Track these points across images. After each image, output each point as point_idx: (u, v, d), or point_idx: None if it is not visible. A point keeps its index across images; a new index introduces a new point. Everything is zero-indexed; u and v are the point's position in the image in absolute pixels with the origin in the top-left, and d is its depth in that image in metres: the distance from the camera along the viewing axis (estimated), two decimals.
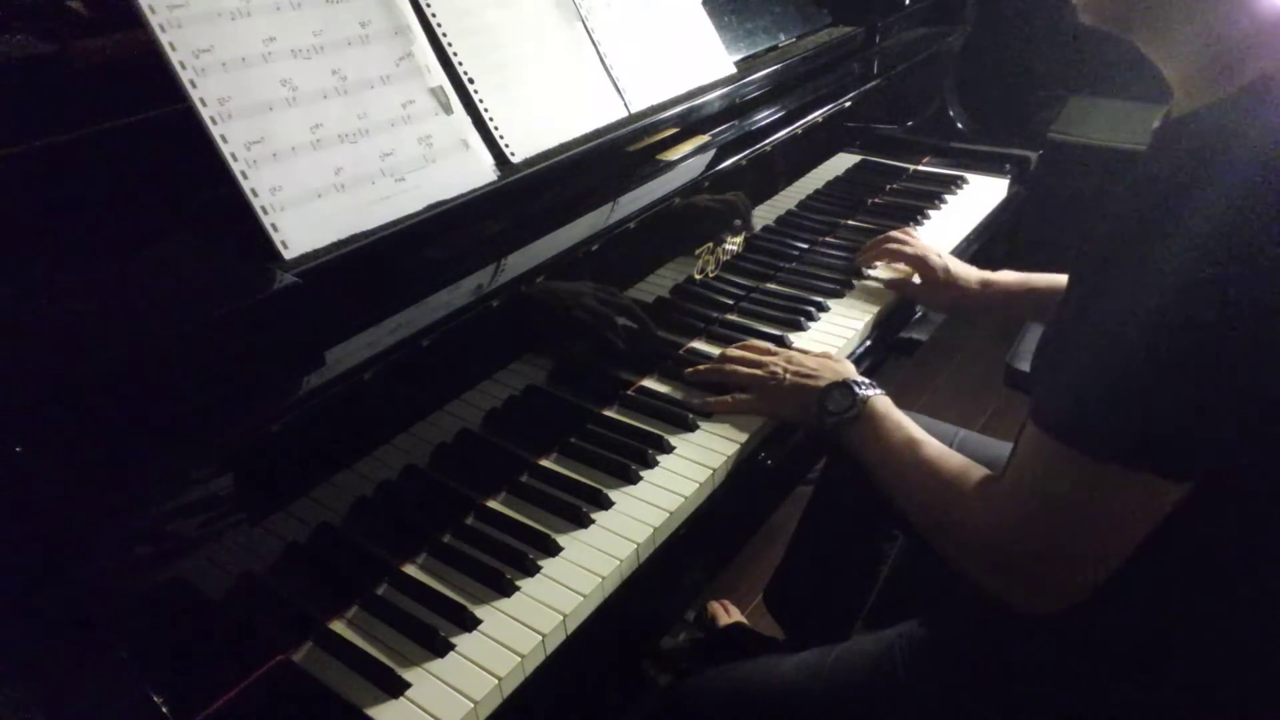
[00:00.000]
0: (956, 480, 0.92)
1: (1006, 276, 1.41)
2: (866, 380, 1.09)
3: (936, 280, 1.43)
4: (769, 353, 1.22)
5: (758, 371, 1.17)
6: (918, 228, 1.72)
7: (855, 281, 1.50)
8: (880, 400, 1.05)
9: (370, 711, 0.82)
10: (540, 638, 0.88)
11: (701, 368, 1.23)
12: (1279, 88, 0.73)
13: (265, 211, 0.85)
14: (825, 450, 1.51)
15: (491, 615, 0.91)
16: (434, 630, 0.88)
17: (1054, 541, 0.80)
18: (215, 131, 0.84)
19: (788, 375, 1.15)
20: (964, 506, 0.89)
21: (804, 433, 1.17)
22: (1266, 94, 0.73)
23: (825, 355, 1.22)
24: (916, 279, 1.46)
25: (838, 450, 1.08)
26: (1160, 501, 0.75)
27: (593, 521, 1.02)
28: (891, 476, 1.00)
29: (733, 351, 1.23)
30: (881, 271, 1.51)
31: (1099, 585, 0.79)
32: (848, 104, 1.61)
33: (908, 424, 1.02)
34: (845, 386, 1.08)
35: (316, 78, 0.92)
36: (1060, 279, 1.30)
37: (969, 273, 1.43)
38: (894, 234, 1.51)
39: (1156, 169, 0.79)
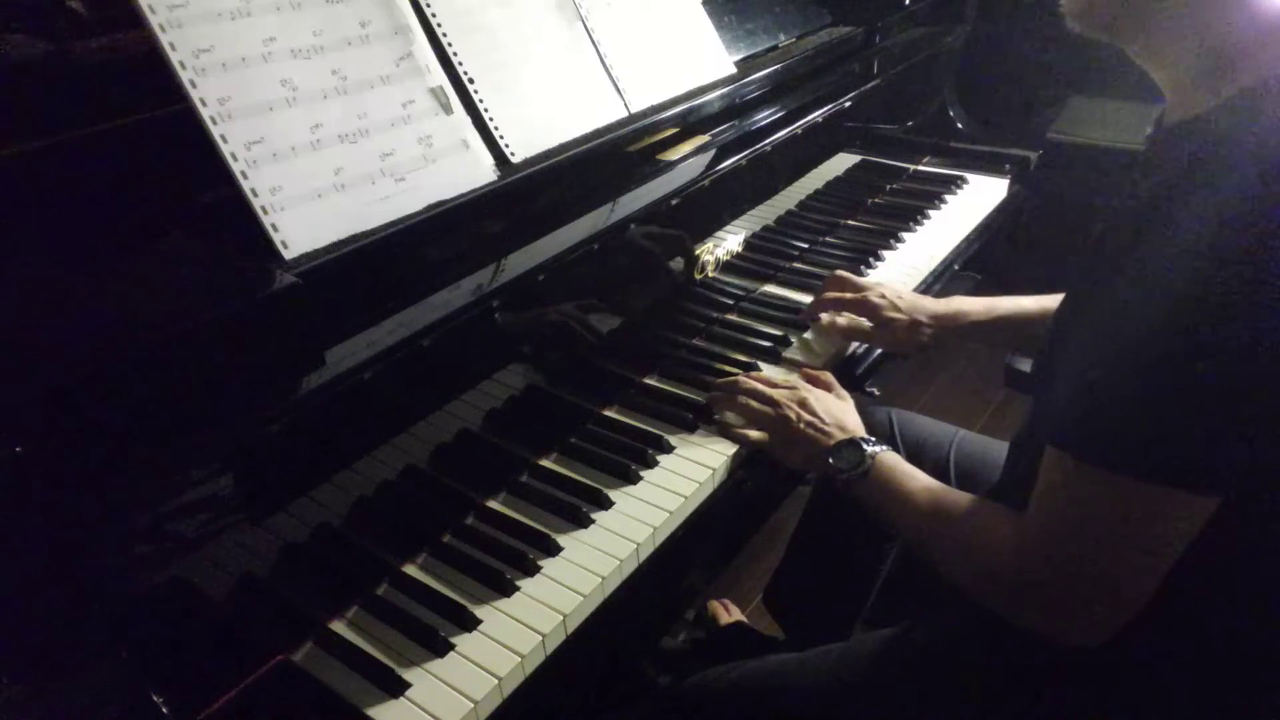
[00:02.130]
0: (978, 522, 0.90)
1: (969, 305, 1.33)
2: (873, 439, 1.07)
3: (885, 319, 1.33)
4: (780, 387, 1.18)
5: (770, 411, 1.14)
6: (911, 234, 1.71)
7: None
8: (887, 456, 1.04)
9: (370, 711, 0.82)
10: (540, 638, 0.88)
11: (716, 395, 1.20)
12: (1272, 94, 0.73)
13: (265, 211, 0.85)
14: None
15: (491, 615, 0.91)
16: (434, 630, 0.88)
17: (1091, 567, 0.78)
18: (215, 131, 0.83)
19: (801, 423, 1.12)
20: (992, 547, 0.87)
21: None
22: (1260, 100, 0.73)
23: (836, 393, 1.19)
24: (866, 323, 1.36)
25: (845, 499, 1.06)
26: (1196, 514, 0.74)
27: (593, 521, 1.02)
28: (910, 528, 0.99)
29: (746, 384, 1.19)
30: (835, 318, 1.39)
31: (1142, 605, 0.77)
32: (847, 104, 1.61)
33: (917, 474, 1.01)
34: (854, 445, 1.06)
35: (316, 78, 0.92)
36: (1025, 302, 1.27)
37: (921, 305, 1.34)
38: (832, 283, 1.41)
39: (1156, 177, 0.79)
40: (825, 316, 1.38)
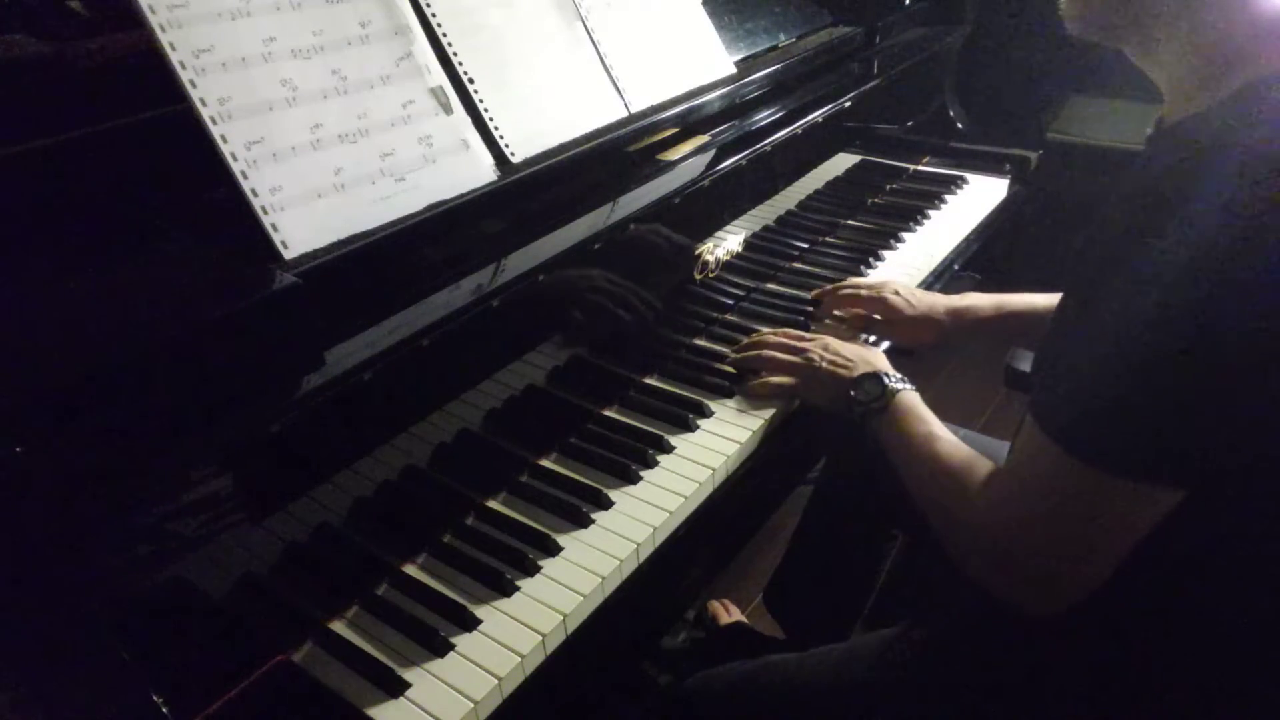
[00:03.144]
0: (963, 475, 0.92)
1: (979, 301, 1.34)
2: (899, 375, 1.10)
3: (901, 317, 1.34)
4: (805, 339, 1.23)
5: (796, 360, 1.19)
6: (912, 234, 1.71)
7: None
8: (908, 395, 1.06)
9: (370, 711, 0.82)
10: (540, 638, 0.88)
11: (743, 354, 1.25)
12: (1269, 94, 0.73)
13: (265, 211, 0.85)
14: (826, 449, 1.51)
15: (491, 615, 0.91)
16: (434, 630, 0.88)
17: (1051, 539, 0.80)
18: (215, 131, 0.84)
19: (824, 363, 1.16)
20: (967, 501, 0.89)
21: (826, 418, 1.18)
22: (1257, 101, 0.73)
23: (861, 344, 1.22)
24: (878, 317, 1.37)
25: (863, 434, 1.08)
26: (1157, 506, 0.75)
27: (593, 521, 1.02)
28: (906, 468, 1.01)
29: (771, 337, 1.25)
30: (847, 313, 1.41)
31: (1100, 584, 0.79)
32: (848, 104, 1.61)
33: (930, 420, 1.03)
34: (875, 378, 1.09)
35: (316, 78, 0.92)
36: (1036, 299, 1.28)
37: (935, 302, 1.35)
38: (844, 285, 1.42)
39: (1151, 176, 0.79)
40: (837, 313, 1.41)
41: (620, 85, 1.22)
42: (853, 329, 1.38)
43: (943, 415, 1.44)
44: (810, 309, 1.43)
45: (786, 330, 1.29)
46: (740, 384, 1.22)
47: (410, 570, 0.97)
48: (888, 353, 1.40)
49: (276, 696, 0.83)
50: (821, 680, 1.10)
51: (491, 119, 1.06)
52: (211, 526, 0.80)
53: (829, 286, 1.44)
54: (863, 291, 1.39)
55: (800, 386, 1.17)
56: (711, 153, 1.30)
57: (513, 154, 1.07)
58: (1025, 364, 1.44)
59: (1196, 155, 0.74)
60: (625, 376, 1.25)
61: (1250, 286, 0.67)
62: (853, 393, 1.09)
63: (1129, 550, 0.77)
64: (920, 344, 1.39)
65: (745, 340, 1.28)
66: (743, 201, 1.44)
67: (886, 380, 1.08)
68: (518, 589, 0.93)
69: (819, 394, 1.16)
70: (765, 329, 1.38)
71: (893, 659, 1.06)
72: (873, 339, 1.39)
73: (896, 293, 1.36)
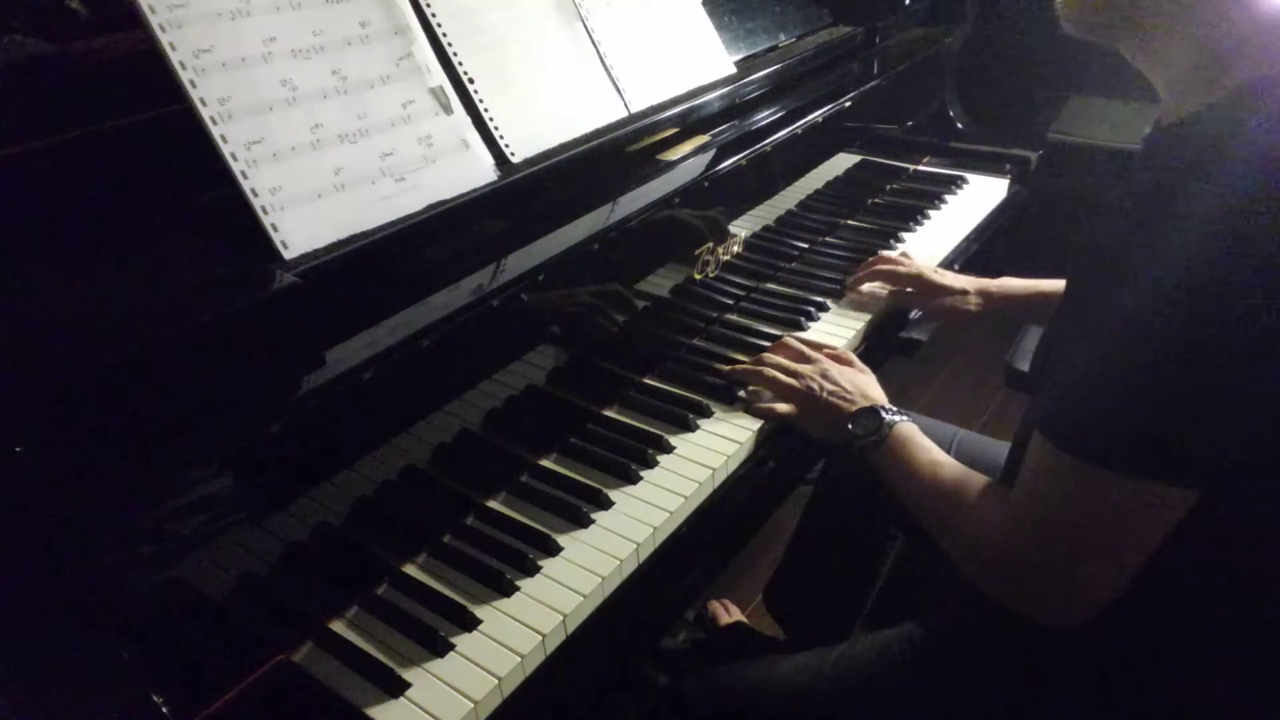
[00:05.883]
0: (971, 497, 0.92)
1: (1009, 284, 1.40)
2: (894, 408, 1.10)
3: (933, 292, 1.43)
4: (806, 360, 1.22)
5: (795, 383, 1.18)
6: (912, 234, 1.71)
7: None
8: (905, 426, 1.06)
9: (370, 711, 0.82)
10: (540, 638, 0.88)
11: (740, 368, 1.24)
12: (1268, 91, 0.73)
13: (265, 211, 0.85)
14: (826, 452, 1.51)
15: (491, 615, 0.91)
16: (434, 630, 0.88)
17: (1066, 550, 0.79)
18: (215, 131, 0.84)
19: (824, 392, 1.15)
20: (977, 520, 0.89)
21: (825, 444, 1.18)
22: (1256, 98, 0.73)
23: (858, 368, 1.22)
24: (910, 289, 1.46)
25: (862, 466, 1.09)
26: (1171, 508, 0.74)
27: (593, 521, 1.02)
28: (911, 497, 1.00)
29: (770, 356, 1.24)
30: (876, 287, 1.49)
31: (1118, 595, 0.79)
32: (848, 104, 1.61)
33: (930, 447, 1.03)
34: (873, 412, 1.09)
35: (316, 78, 0.92)
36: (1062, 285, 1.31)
37: (965, 284, 1.42)
38: (886, 255, 1.50)
39: (1150, 175, 0.79)
40: (867, 287, 1.47)
41: (620, 85, 1.22)
42: (887, 302, 1.45)
43: (942, 416, 1.45)
44: (812, 308, 1.43)
45: (787, 346, 1.27)
46: (740, 388, 1.22)
47: (410, 570, 0.97)
48: (888, 350, 1.42)
49: (276, 696, 0.83)
50: (821, 681, 1.10)
51: (491, 119, 1.06)
52: (211, 526, 0.80)
53: (868, 264, 1.49)
54: (901, 269, 1.44)
55: (798, 415, 1.17)
56: (711, 153, 1.30)
57: (513, 154, 1.07)
58: (1025, 364, 1.45)
59: (1195, 155, 0.74)
60: (625, 376, 1.25)
61: (1249, 285, 0.67)
62: (850, 426, 1.09)
63: (1143, 558, 0.77)
64: (946, 316, 1.46)
65: (745, 362, 1.26)
66: (743, 201, 1.44)
67: (884, 414, 1.08)
68: (518, 589, 0.93)
69: (816, 424, 1.15)
70: (764, 326, 1.38)
71: (893, 659, 1.06)
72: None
73: (936, 271, 1.44)
